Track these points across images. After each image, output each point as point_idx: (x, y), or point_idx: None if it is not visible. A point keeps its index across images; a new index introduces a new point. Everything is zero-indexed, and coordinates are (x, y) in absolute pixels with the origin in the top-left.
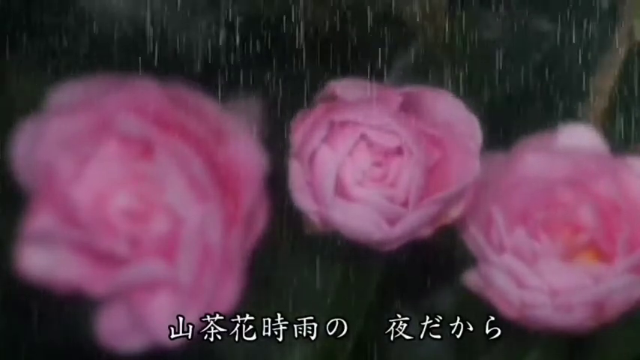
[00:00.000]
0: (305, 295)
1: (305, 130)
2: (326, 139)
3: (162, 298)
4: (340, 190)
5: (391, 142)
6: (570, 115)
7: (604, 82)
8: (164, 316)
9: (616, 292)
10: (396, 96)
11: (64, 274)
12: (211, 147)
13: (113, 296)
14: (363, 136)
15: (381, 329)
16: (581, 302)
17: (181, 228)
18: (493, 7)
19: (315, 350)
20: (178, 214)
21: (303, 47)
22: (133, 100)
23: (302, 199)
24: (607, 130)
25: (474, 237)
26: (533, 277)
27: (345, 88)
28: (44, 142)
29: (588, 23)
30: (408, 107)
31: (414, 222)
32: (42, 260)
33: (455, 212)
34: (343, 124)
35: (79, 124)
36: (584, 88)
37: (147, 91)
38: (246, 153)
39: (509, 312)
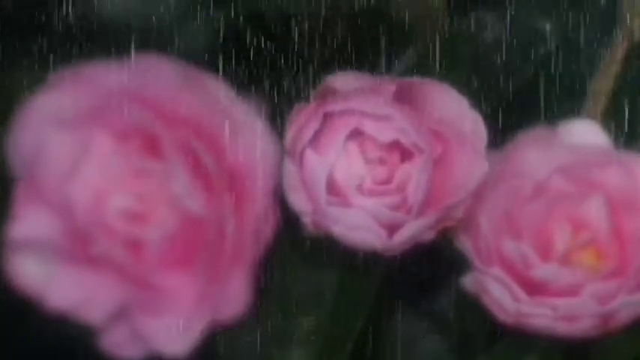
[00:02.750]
0: (305, 296)
1: (298, 126)
2: (317, 134)
3: (169, 313)
4: (335, 191)
5: (389, 134)
6: (570, 115)
7: (604, 82)
8: (170, 330)
9: (627, 307)
10: (390, 85)
11: (61, 292)
12: (223, 140)
13: (115, 317)
14: (357, 131)
15: (382, 330)
16: (586, 315)
17: (194, 230)
18: (493, 7)
19: (315, 351)
20: (188, 214)
21: (302, 47)
22: (138, 83)
23: (295, 200)
24: (606, 129)
25: (463, 245)
26: (528, 294)
27: (342, 80)
28: (33, 119)
29: (588, 23)
30: (407, 100)
31: (416, 230)
32: (36, 272)
33: (459, 213)
34: (336, 114)
35: (76, 103)
36: (583, 88)
37: (154, 71)
38: (260, 147)
39: (506, 319)
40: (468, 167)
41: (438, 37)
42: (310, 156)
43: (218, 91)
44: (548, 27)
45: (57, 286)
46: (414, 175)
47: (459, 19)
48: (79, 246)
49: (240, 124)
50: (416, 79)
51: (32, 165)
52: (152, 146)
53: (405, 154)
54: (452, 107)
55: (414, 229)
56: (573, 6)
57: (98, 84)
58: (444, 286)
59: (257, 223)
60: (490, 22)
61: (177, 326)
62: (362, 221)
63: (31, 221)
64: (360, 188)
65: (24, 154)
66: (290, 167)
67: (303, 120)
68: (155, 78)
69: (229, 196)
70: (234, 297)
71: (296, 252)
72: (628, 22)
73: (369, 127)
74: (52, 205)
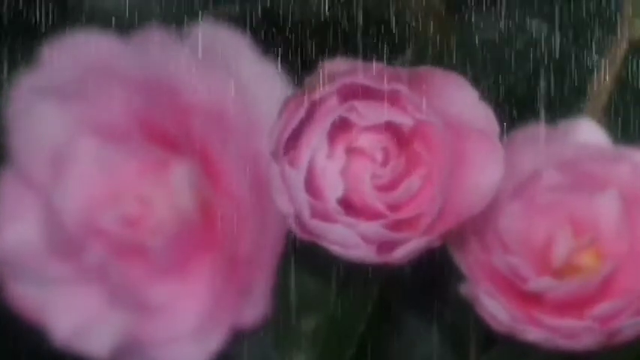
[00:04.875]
0: (306, 299)
1: (281, 121)
2: (302, 130)
3: (176, 331)
4: (318, 197)
5: (390, 115)
6: (570, 114)
7: (603, 82)
8: (181, 348)
9: (632, 327)
10: (393, 68)
11: (60, 319)
12: (241, 127)
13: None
14: (344, 122)
15: (383, 333)
16: (588, 335)
17: (205, 232)
18: (492, 7)
19: (316, 355)
20: (200, 214)
21: (302, 46)
22: (141, 61)
23: (280, 203)
24: (606, 129)
25: (454, 256)
26: (524, 314)
27: (339, 66)
28: (24, 96)
29: (588, 22)
30: (413, 89)
31: (421, 246)
32: (31, 294)
33: None
34: (323, 102)
35: (68, 79)
36: (584, 88)
37: (160, 47)
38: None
39: (500, 329)
40: (485, 168)
41: (437, 37)
42: (284, 165)
43: (244, 66)
44: (548, 27)
45: (55, 311)
46: (426, 185)
47: (459, 19)
48: (69, 255)
49: (263, 106)
50: (423, 68)
51: (20, 146)
52: (156, 137)
53: (415, 158)
54: (463, 99)
55: (418, 246)
56: (573, 6)
57: (94, 60)
58: (445, 288)
59: (279, 221)
60: (489, 21)
61: (188, 341)
62: (349, 239)
63: (17, 224)
64: (345, 201)
65: (14, 133)
66: (273, 167)
67: (286, 114)
68: (161, 56)
69: (248, 191)
70: (257, 301)
71: (297, 255)
72: (628, 22)
73: (362, 111)
74: (40, 201)
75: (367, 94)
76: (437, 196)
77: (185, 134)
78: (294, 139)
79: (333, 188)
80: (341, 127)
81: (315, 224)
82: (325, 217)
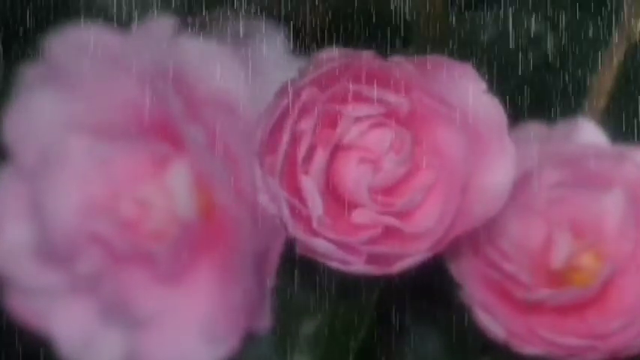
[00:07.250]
0: (306, 302)
1: (266, 115)
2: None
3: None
4: (298, 195)
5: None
6: (569, 114)
7: (604, 82)
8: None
9: (636, 346)
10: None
11: (62, 332)
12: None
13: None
14: (335, 113)
15: (383, 337)
16: (590, 351)
17: (216, 232)
18: (492, 6)
19: (317, 359)
20: (214, 213)
21: (302, 47)
22: (145, 53)
23: (264, 203)
24: (606, 129)
25: (449, 264)
26: (521, 327)
27: (331, 54)
28: (25, 90)
29: (588, 23)
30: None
31: (422, 260)
32: (31, 305)
33: None
34: (303, 87)
35: (69, 72)
36: (583, 88)
37: (164, 37)
38: None
39: (498, 339)
40: (497, 166)
41: (437, 37)
42: (263, 168)
43: (262, 57)
44: (547, 26)
45: (56, 323)
46: (433, 194)
47: (459, 19)
48: (65, 262)
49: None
50: (428, 57)
51: (17, 143)
52: (157, 133)
53: (421, 159)
54: (471, 91)
55: (420, 260)
56: (573, 6)
57: (96, 52)
58: (445, 291)
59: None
60: (489, 21)
61: (196, 347)
62: (335, 255)
63: (11, 227)
64: (340, 204)
65: (12, 129)
66: (255, 168)
67: (272, 106)
68: (167, 46)
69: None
70: (267, 304)
71: (296, 259)
72: (628, 22)
73: (360, 91)
74: (33, 203)
75: (362, 80)
76: (448, 209)
77: (191, 128)
78: (278, 134)
79: (313, 205)
80: (329, 120)
81: (301, 236)
82: (310, 230)
